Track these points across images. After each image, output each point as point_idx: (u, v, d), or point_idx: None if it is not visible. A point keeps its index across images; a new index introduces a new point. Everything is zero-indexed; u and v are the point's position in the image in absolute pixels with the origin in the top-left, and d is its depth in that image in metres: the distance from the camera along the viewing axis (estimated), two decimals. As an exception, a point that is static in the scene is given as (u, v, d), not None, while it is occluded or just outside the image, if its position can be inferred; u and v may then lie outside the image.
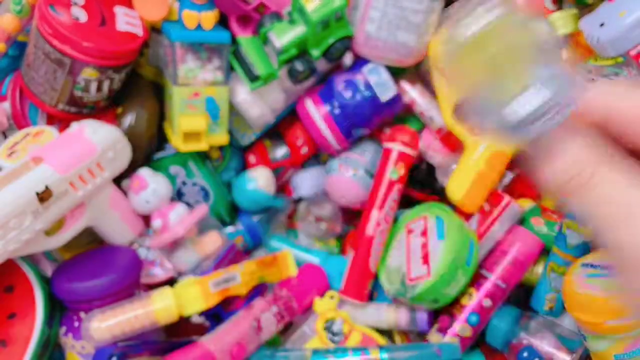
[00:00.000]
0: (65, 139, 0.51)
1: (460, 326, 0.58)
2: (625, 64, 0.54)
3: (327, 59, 0.57)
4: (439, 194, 0.63)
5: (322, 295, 0.62)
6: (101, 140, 0.51)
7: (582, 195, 0.23)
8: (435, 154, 0.65)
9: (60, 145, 0.50)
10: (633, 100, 0.25)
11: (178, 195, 0.62)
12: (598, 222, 0.23)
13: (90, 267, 0.54)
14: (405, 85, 0.63)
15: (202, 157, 0.63)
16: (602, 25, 0.55)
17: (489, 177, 0.59)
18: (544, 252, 0.60)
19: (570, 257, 0.56)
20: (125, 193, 0.57)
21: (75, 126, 0.52)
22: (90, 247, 0.60)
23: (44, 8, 0.50)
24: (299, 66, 0.55)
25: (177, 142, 0.58)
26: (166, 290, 0.51)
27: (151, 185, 0.57)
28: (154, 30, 0.59)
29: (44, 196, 0.46)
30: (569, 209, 0.24)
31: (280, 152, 0.66)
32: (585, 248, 0.55)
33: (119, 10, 0.55)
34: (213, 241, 0.60)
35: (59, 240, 0.50)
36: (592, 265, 0.49)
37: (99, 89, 0.54)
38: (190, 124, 0.56)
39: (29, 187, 0.45)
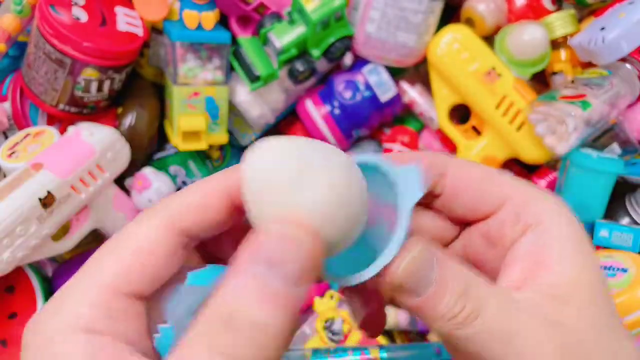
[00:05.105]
0: (63, 144, 0.51)
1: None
2: (609, 77, 0.53)
3: (327, 59, 0.57)
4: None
5: (322, 294, 0.62)
6: (98, 141, 0.51)
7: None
8: (435, 154, 0.65)
9: (58, 150, 0.50)
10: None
11: (178, 195, 0.62)
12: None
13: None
14: (405, 86, 0.63)
15: (202, 156, 0.63)
16: (603, 29, 0.54)
17: None
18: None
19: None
20: (127, 192, 0.57)
21: (71, 130, 0.52)
22: (91, 247, 0.60)
23: (44, 8, 0.50)
24: (299, 66, 0.55)
25: (176, 141, 0.58)
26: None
27: (155, 184, 0.57)
28: (154, 30, 0.59)
29: (47, 202, 0.46)
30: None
31: (280, 152, 0.66)
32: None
33: (120, 11, 0.55)
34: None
35: (65, 245, 0.50)
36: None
37: (100, 89, 0.54)
38: (189, 123, 0.56)
39: (31, 194, 0.45)
